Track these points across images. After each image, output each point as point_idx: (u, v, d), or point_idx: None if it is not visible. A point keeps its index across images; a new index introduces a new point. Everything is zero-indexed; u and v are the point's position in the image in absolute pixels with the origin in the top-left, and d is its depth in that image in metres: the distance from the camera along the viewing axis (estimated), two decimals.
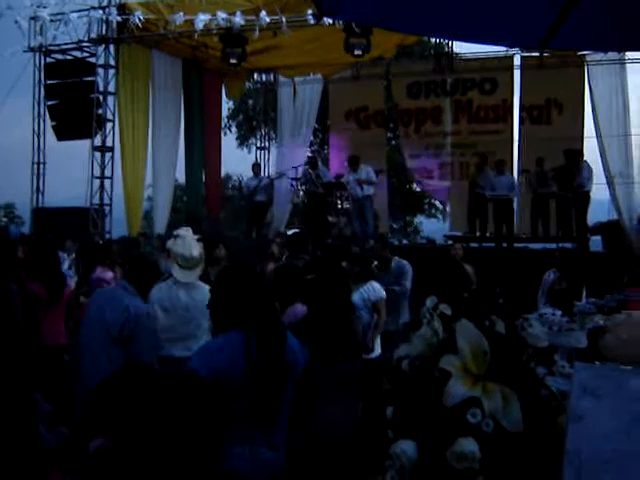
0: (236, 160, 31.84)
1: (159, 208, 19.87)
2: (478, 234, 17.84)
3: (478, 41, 5.93)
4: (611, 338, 3.17)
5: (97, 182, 18.52)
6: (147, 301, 6.77)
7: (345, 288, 5.45)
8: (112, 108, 18.61)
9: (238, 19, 16.30)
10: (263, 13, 15.97)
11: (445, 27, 4.93)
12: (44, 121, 19.42)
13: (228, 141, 33.35)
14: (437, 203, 32.29)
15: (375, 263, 10.59)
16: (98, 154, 18.54)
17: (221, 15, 16.17)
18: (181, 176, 22.09)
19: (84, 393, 5.69)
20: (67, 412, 5.14)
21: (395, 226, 32.78)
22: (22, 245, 9.41)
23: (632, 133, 18.59)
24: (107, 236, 18.36)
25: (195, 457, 3.32)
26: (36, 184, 19.56)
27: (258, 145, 25.67)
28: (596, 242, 16.73)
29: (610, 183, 18.45)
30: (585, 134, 19.46)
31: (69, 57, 19.31)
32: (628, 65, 18.74)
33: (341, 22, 15.06)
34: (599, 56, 18.11)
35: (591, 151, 18.83)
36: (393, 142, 28.11)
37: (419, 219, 36.80)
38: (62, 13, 17.65)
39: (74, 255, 11.29)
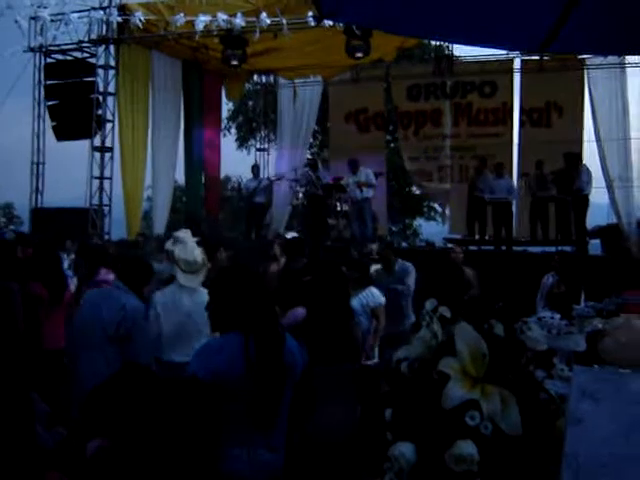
0: (236, 161, 31.90)
1: (158, 209, 19.87)
2: (477, 237, 17.85)
3: (478, 44, 5.92)
4: (610, 341, 3.18)
5: (96, 182, 18.52)
6: (150, 304, 6.84)
7: (343, 289, 5.45)
8: (112, 109, 18.63)
9: (238, 20, 16.31)
10: (263, 15, 15.98)
11: (445, 30, 4.93)
12: (44, 121, 19.42)
13: (228, 142, 33.43)
14: (436, 206, 32.32)
15: (379, 266, 10.59)
16: (98, 154, 18.54)
17: (221, 16, 16.17)
18: (180, 177, 22.14)
19: (81, 394, 5.69)
20: (65, 413, 5.14)
21: (394, 229, 32.81)
22: (22, 246, 9.42)
23: (632, 137, 18.58)
24: (106, 237, 18.36)
25: (193, 458, 3.32)
26: (35, 184, 19.55)
27: (258, 147, 25.68)
28: (595, 246, 16.76)
29: (609, 187, 18.46)
30: (585, 137, 19.50)
31: (69, 57, 19.31)
32: (628, 69, 18.74)
33: (341, 24, 15.05)
34: (599, 60, 18.14)
35: (591, 154, 18.86)
36: (392, 144, 28.15)
37: (418, 222, 36.86)
38: (62, 13, 17.63)
39: (74, 255, 11.29)
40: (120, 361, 5.67)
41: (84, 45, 18.72)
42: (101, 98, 18.60)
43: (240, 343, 3.93)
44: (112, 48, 18.37)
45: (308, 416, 4.79)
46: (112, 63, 18.46)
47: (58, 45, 18.82)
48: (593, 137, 19.09)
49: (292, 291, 6.22)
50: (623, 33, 4.57)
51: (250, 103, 32.18)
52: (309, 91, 22.72)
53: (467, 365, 2.60)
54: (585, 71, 19.18)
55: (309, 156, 26.59)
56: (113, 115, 18.61)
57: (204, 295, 6.71)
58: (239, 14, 16.34)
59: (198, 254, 7.11)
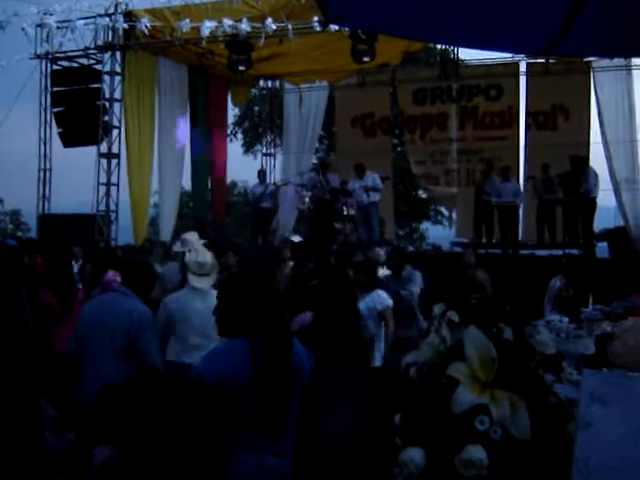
0: (242, 167, 31.95)
1: (165, 215, 19.87)
2: (484, 241, 17.82)
3: (484, 48, 5.93)
4: (619, 345, 3.17)
5: (103, 189, 18.53)
6: (162, 306, 7.03)
7: (350, 293, 5.44)
8: (118, 115, 18.63)
9: (244, 26, 16.32)
10: (269, 20, 15.99)
11: (451, 33, 4.94)
12: (50, 128, 19.44)
13: (234, 148, 33.44)
14: (443, 210, 32.30)
15: (387, 271, 10.57)
16: (104, 161, 18.56)
17: (227, 22, 16.19)
18: (187, 182, 22.15)
19: (88, 402, 5.69)
20: (75, 418, 5.13)
21: (401, 233, 32.80)
22: (29, 253, 9.41)
23: (638, 139, 18.56)
24: (113, 243, 18.37)
25: (200, 464, 3.32)
26: (42, 191, 19.56)
27: (264, 152, 25.69)
28: (602, 248, 16.71)
29: (616, 189, 18.43)
30: (591, 140, 19.46)
31: (75, 64, 19.33)
32: (634, 71, 18.73)
33: (347, 29, 15.06)
34: (605, 62, 18.09)
35: (597, 157, 18.85)
36: (399, 149, 28.15)
37: (425, 226, 36.85)
38: (68, 20, 17.69)
39: (81, 261, 11.28)
40: (127, 369, 5.65)
41: (90, 52, 18.74)
42: (107, 104, 18.60)
43: (247, 348, 3.93)
44: (118, 54, 18.38)
45: (316, 422, 4.79)
46: (118, 69, 18.46)
47: (64, 52, 18.84)
48: (599, 140, 19.07)
49: (300, 295, 6.22)
50: (629, 35, 4.57)
51: (256, 108, 32.20)
52: (315, 96, 22.72)
53: (476, 370, 2.60)
54: (591, 74, 19.13)
55: (315, 161, 26.61)
56: (119, 121, 18.61)
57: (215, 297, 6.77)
58: (245, 19, 16.35)
59: (208, 256, 7.26)
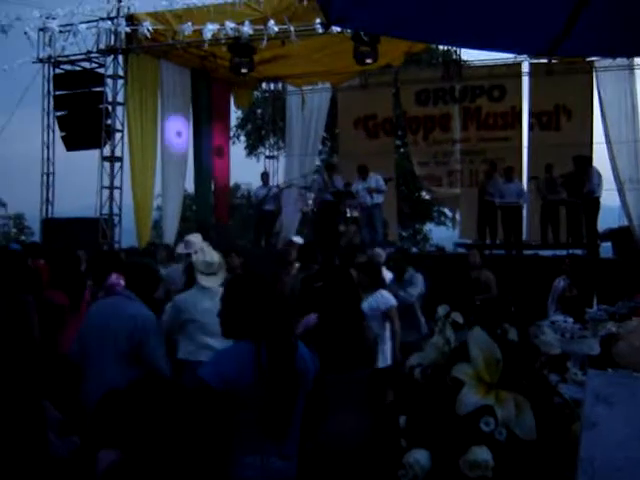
0: (245, 169, 31.96)
1: (168, 218, 19.89)
2: (488, 241, 17.81)
3: (487, 48, 5.92)
4: (624, 345, 3.17)
5: (106, 192, 18.55)
6: (171, 306, 7.23)
7: (354, 295, 5.44)
8: (121, 118, 18.66)
9: (246, 29, 16.32)
10: (271, 22, 15.98)
11: (453, 34, 4.93)
12: (53, 132, 19.45)
13: (237, 150, 33.47)
14: (446, 211, 32.28)
15: (390, 274, 10.55)
16: (107, 164, 18.57)
17: (229, 25, 16.18)
18: (190, 185, 22.16)
19: (92, 405, 5.69)
20: (80, 421, 5.13)
21: (404, 234, 32.81)
22: (32, 257, 9.42)
23: None
24: (116, 246, 18.39)
25: (205, 466, 3.31)
26: (46, 194, 19.57)
27: (267, 154, 25.70)
28: (606, 248, 16.70)
29: (620, 189, 18.41)
30: (594, 140, 19.42)
31: (78, 68, 19.35)
32: (637, 71, 18.71)
33: (349, 31, 15.06)
34: (608, 62, 18.09)
35: (600, 157, 18.82)
36: (402, 150, 28.13)
37: (428, 227, 36.84)
38: (71, 24, 17.69)
39: (85, 265, 11.29)
40: (130, 373, 5.64)
41: (92, 55, 18.76)
42: (110, 108, 18.62)
43: (252, 351, 3.92)
44: (120, 58, 18.42)
45: (320, 424, 4.79)
46: (121, 73, 18.50)
47: (67, 56, 18.87)
48: (603, 139, 19.04)
49: (307, 297, 6.23)
50: (632, 35, 4.56)
51: (259, 111, 32.22)
52: (317, 98, 22.74)
53: (481, 371, 2.60)
54: (594, 74, 19.11)
55: (318, 162, 26.62)
56: (122, 125, 18.64)
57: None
58: (247, 22, 16.35)
59: (215, 255, 7.43)
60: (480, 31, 4.56)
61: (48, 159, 19.61)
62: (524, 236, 18.37)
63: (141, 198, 18.61)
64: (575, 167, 16.89)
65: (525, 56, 18.70)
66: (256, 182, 22.33)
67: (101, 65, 18.94)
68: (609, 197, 18.12)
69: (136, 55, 18.30)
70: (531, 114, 20.50)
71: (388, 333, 8.96)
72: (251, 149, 35.09)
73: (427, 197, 27.53)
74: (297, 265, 10.69)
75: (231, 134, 27.51)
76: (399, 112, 23.39)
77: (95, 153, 18.75)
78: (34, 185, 19.77)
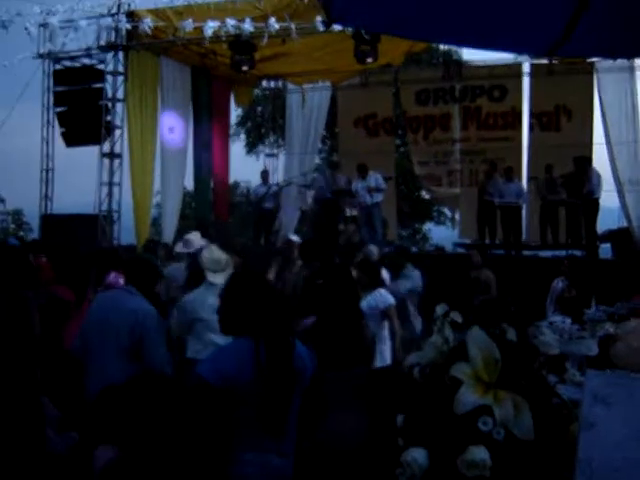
0: (245, 167, 31.92)
1: (167, 215, 19.84)
2: (487, 241, 17.82)
3: (487, 48, 5.92)
4: (622, 346, 3.17)
5: (105, 189, 18.53)
6: (180, 305, 7.37)
7: (354, 293, 5.45)
8: (121, 115, 18.63)
9: (247, 26, 16.29)
10: (272, 20, 15.97)
11: (454, 34, 4.93)
12: (53, 127, 19.41)
13: (237, 148, 33.43)
14: (446, 210, 32.28)
15: (385, 272, 10.54)
16: (107, 161, 18.55)
17: (230, 22, 16.17)
18: (189, 183, 22.13)
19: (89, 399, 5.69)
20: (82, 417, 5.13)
21: (404, 233, 32.80)
22: (34, 253, 9.41)
23: None
24: (115, 242, 18.37)
25: (204, 463, 3.32)
26: (45, 191, 19.52)
27: (267, 152, 25.69)
28: (605, 250, 16.71)
29: (620, 190, 18.40)
30: (594, 141, 19.43)
31: (78, 64, 19.31)
32: (638, 72, 18.69)
33: (350, 29, 15.05)
34: (608, 63, 18.07)
35: (600, 158, 18.82)
36: (402, 149, 28.13)
37: (428, 226, 36.83)
38: (71, 20, 17.67)
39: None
40: (132, 368, 5.64)
41: (93, 52, 18.71)
42: (110, 104, 18.58)
43: (250, 348, 3.93)
44: (121, 54, 18.37)
45: (318, 423, 4.79)
46: (121, 69, 18.45)
47: (67, 52, 18.82)
48: (603, 140, 19.04)
49: (309, 295, 6.24)
50: (632, 36, 4.56)
51: (259, 108, 32.19)
52: (317, 96, 22.71)
53: (480, 370, 2.60)
54: (594, 74, 19.10)
55: (318, 161, 26.60)
56: (122, 121, 18.60)
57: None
58: (248, 19, 16.32)
59: (221, 253, 7.63)
60: (481, 30, 4.56)
61: (47, 155, 19.56)
62: (523, 236, 18.38)
63: (140, 195, 18.55)
64: (575, 168, 16.90)
65: (526, 56, 18.70)
66: (256, 180, 22.31)
67: (101, 61, 18.91)
68: (609, 198, 18.14)
69: (136, 52, 18.26)
70: (531, 114, 20.50)
71: (386, 332, 8.96)
72: (251, 147, 35.08)
73: (427, 197, 27.53)
74: (299, 263, 10.69)
75: (231, 132, 27.45)
76: (399, 111, 23.36)
77: (95, 149, 18.72)
78: (33, 181, 19.74)
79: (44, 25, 18.18)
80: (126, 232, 19.25)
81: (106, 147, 18.53)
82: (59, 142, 19.32)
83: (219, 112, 21.81)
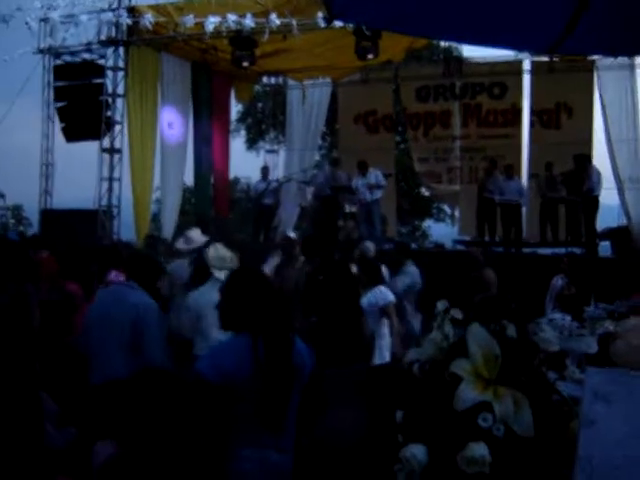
0: (245, 163, 31.86)
1: (167, 211, 19.83)
2: (487, 239, 17.80)
3: (488, 45, 5.91)
4: (621, 344, 3.17)
5: (105, 184, 18.53)
6: (187, 303, 7.38)
7: (354, 289, 5.44)
8: (121, 110, 18.62)
9: (248, 22, 16.27)
10: (273, 16, 15.94)
11: (455, 30, 4.92)
12: (53, 123, 19.40)
13: (237, 144, 33.37)
14: (446, 207, 32.27)
15: (384, 270, 10.54)
16: (107, 156, 18.55)
17: (231, 17, 16.15)
18: (189, 179, 22.11)
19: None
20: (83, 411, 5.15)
21: (403, 230, 32.78)
22: (35, 249, 9.41)
23: None
24: (115, 237, 18.35)
25: (202, 459, 3.32)
26: (44, 186, 19.52)
27: (267, 148, 25.67)
28: (605, 247, 16.70)
29: (620, 188, 18.39)
30: (595, 138, 19.42)
31: (78, 59, 19.29)
32: (638, 70, 18.66)
33: (351, 25, 15.04)
34: (609, 61, 18.04)
35: (600, 156, 18.81)
36: (402, 146, 28.12)
37: (427, 223, 36.83)
38: (72, 15, 17.64)
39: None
40: (135, 363, 5.67)
41: (93, 47, 18.70)
42: (110, 100, 18.58)
43: (249, 344, 3.94)
44: (121, 50, 18.37)
45: (317, 419, 4.79)
46: (121, 65, 18.46)
47: (67, 47, 18.81)
48: (603, 138, 19.04)
49: (310, 290, 6.22)
50: (633, 34, 4.56)
51: (259, 105, 32.16)
52: (318, 92, 22.67)
53: (479, 367, 2.60)
54: (595, 72, 19.07)
55: (318, 157, 26.57)
56: (122, 117, 18.60)
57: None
58: (249, 15, 16.30)
59: (226, 250, 7.69)
60: (482, 27, 4.56)
61: (47, 150, 19.55)
62: (523, 234, 18.36)
63: (140, 191, 18.54)
64: (575, 165, 16.88)
65: (526, 53, 18.68)
66: (256, 176, 22.29)
67: (102, 57, 18.89)
68: (608, 196, 18.12)
69: (137, 47, 18.25)
70: (532, 112, 20.45)
71: (386, 329, 8.96)
72: (251, 143, 35.05)
73: (426, 193, 27.45)
74: (302, 259, 10.68)
75: (231, 128, 27.42)
76: (399, 108, 23.34)
77: (94, 145, 18.71)
78: (33, 176, 19.72)
79: (45, 20, 18.15)
80: (126, 227, 19.24)
81: (106, 142, 18.54)
82: (59, 137, 19.32)
83: (219, 108, 21.79)
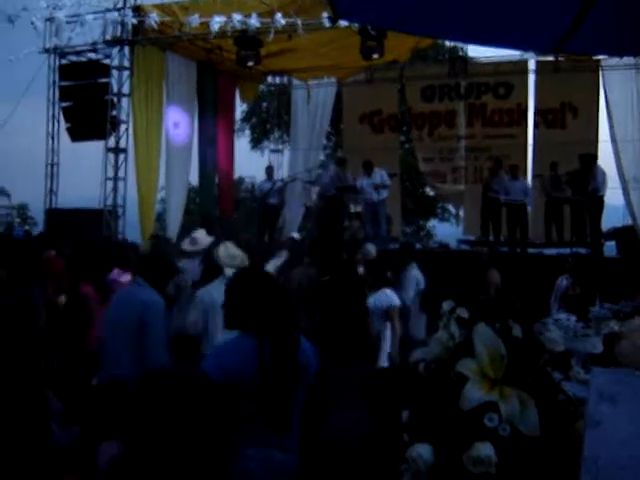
0: (249, 163, 31.87)
1: (172, 210, 19.85)
2: (492, 238, 17.79)
3: (493, 45, 5.91)
4: (627, 344, 3.16)
5: (110, 183, 18.55)
6: (195, 301, 7.51)
7: (360, 290, 5.45)
8: (126, 110, 18.65)
9: (253, 21, 16.28)
10: (278, 15, 15.95)
11: (460, 30, 4.92)
12: (58, 122, 19.43)
13: (241, 144, 33.39)
14: (450, 207, 32.25)
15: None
16: (112, 155, 18.57)
17: (236, 17, 16.16)
18: (194, 178, 22.13)
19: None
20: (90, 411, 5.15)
21: (408, 230, 32.76)
22: (42, 248, 9.41)
23: None
24: (120, 237, 18.37)
25: (207, 458, 3.32)
26: (50, 185, 19.56)
27: (271, 148, 25.68)
28: (610, 247, 16.67)
29: (625, 188, 18.37)
30: (600, 138, 19.39)
31: (84, 59, 19.32)
32: None
33: (356, 25, 15.04)
34: (614, 61, 18.03)
35: (606, 155, 18.79)
36: (406, 146, 28.11)
37: (432, 223, 36.80)
38: (78, 15, 17.67)
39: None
40: (138, 362, 5.70)
41: (99, 46, 18.72)
42: (115, 99, 18.61)
43: (254, 344, 3.94)
44: (127, 49, 18.39)
45: (322, 419, 4.79)
46: (126, 64, 18.47)
47: (73, 46, 18.83)
48: (608, 138, 19.02)
49: (315, 292, 6.25)
50: (638, 35, 4.55)
51: (264, 104, 32.17)
52: (323, 92, 22.66)
53: (485, 367, 2.60)
54: (600, 72, 19.07)
55: (322, 157, 26.56)
56: (127, 116, 18.62)
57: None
58: (254, 15, 16.31)
59: (236, 249, 7.83)
60: (487, 27, 4.56)
61: (53, 150, 19.59)
62: (528, 234, 18.35)
63: (145, 190, 18.55)
64: (580, 165, 16.86)
65: (531, 53, 18.66)
66: (260, 176, 22.30)
67: (107, 56, 18.91)
68: (613, 196, 18.12)
69: (142, 47, 18.26)
70: (537, 111, 20.44)
71: (388, 332, 8.96)
72: (256, 143, 35.05)
73: (431, 193, 27.44)
74: (306, 260, 10.68)
75: (236, 127, 27.43)
76: (404, 108, 23.34)
77: (100, 144, 18.74)
78: (38, 175, 19.77)
79: (50, 19, 18.20)
80: (131, 227, 19.25)
81: (111, 142, 18.57)
82: (64, 137, 19.37)
83: (224, 107, 21.80)
